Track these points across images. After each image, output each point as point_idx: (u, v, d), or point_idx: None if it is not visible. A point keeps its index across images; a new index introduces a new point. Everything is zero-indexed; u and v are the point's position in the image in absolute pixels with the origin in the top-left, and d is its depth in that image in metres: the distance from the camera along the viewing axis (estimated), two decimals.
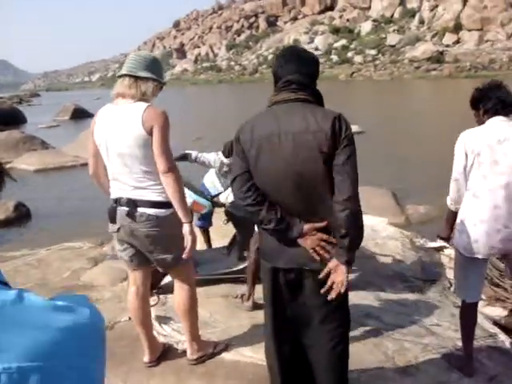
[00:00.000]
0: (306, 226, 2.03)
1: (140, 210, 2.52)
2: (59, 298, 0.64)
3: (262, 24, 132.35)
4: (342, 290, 2.01)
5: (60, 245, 5.78)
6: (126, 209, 2.54)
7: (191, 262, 2.82)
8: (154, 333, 3.10)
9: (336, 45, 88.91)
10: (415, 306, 3.66)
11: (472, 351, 2.80)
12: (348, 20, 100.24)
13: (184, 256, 2.58)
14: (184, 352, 2.95)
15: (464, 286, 2.77)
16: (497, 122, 2.54)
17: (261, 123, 2.07)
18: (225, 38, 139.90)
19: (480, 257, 2.59)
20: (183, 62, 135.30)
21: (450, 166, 2.66)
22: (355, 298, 3.61)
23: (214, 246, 4.77)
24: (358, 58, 78.74)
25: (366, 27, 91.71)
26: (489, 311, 3.66)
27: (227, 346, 3.04)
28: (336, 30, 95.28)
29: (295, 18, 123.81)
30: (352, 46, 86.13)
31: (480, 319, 3.26)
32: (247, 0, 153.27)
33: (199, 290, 3.46)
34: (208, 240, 4.77)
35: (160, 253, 2.62)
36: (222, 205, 4.09)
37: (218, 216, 4.59)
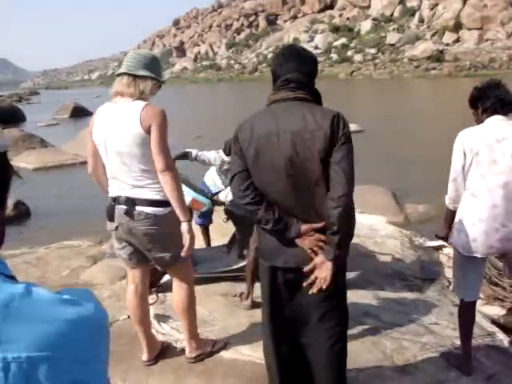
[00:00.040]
0: (304, 227, 2.03)
1: (138, 208, 2.53)
2: (64, 292, 0.65)
3: (262, 22, 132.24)
4: (324, 286, 2.00)
5: (59, 243, 5.78)
6: (125, 207, 2.55)
7: (189, 261, 2.82)
8: (153, 331, 3.10)
9: (336, 43, 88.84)
10: (414, 304, 3.66)
11: (470, 350, 2.81)
12: (348, 19, 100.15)
13: (182, 254, 2.59)
14: (183, 350, 2.95)
15: (462, 285, 2.77)
16: (495, 121, 2.54)
17: (259, 122, 2.07)
18: (224, 36, 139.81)
19: (478, 256, 2.60)
20: (183, 61, 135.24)
21: (450, 165, 2.66)
22: (354, 296, 3.62)
23: (213, 244, 4.77)
24: (357, 57, 78.68)
25: (365, 26, 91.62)
26: (487, 310, 3.67)
27: (226, 344, 3.04)
28: (336, 29, 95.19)
29: (295, 17, 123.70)
30: (352, 45, 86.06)
31: (478, 318, 3.27)
32: None
33: (198, 289, 3.47)
34: (207, 238, 4.78)
35: (158, 251, 2.63)
36: (222, 203, 4.09)
37: (218, 214, 4.59)
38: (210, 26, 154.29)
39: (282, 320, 2.21)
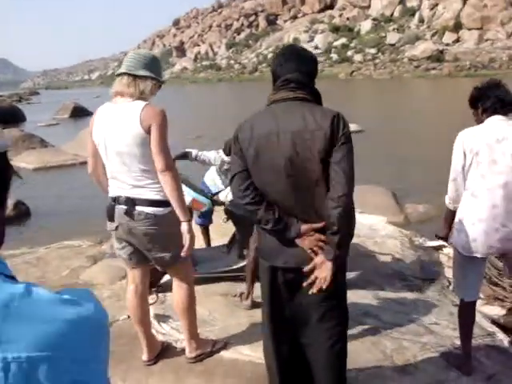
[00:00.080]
0: (304, 227, 2.03)
1: (138, 208, 2.53)
2: (64, 292, 0.65)
3: (262, 22, 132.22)
4: (324, 286, 2.00)
5: (59, 243, 5.78)
6: (125, 207, 2.55)
7: (189, 261, 2.82)
8: (153, 331, 3.11)
9: (336, 43, 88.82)
10: (414, 304, 3.66)
11: (470, 350, 2.81)
12: (348, 19, 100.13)
13: (182, 254, 2.59)
14: (183, 350, 2.95)
15: (462, 285, 2.77)
16: (495, 121, 2.54)
17: (259, 122, 2.07)
18: (224, 36, 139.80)
19: (478, 256, 2.60)
20: (183, 61, 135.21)
21: (450, 165, 2.66)
22: (354, 296, 3.62)
23: (213, 244, 4.78)
24: (357, 57, 78.67)
25: (365, 26, 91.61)
26: (487, 310, 3.67)
27: (226, 344, 3.04)
28: (336, 29, 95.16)
29: (295, 17, 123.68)
30: (352, 45, 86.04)
31: (478, 318, 3.27)
32: None
33: (198, 289, 3.47)
34: (207, 238, 4.78)
35: (158, 251, 2.63)
36: (222, 203, 4.10)
37: (218, 214, 4.59)
38: (210, 26, 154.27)
39: (281, 320, 2.21)
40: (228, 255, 4.25)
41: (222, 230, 4.83)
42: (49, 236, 6.41)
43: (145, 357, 2.90)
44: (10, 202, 7.84)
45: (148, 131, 2.42)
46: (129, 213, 2.53)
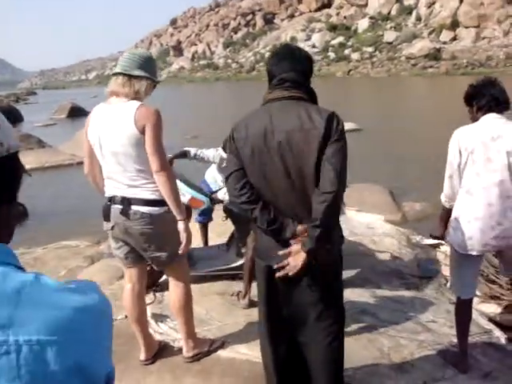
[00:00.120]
0: (299, 228, 2.03)
1: (134, 207, 2.53)
2: (72, 282, 0.70)
3: (259, 21, 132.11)
4: (290, 274, 2.01)
5: (57, 243, 5.79)
6: (120, 207, 2.55)
7: (186, 260, 2.83)
8: (151, 331, 3.11)
9: (333, 42, 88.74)
10: (411, 302, 3.67)
11: (467, 347, 2.82)
12: (345, 17, 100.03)
13: (179, 252, 2.60)
14: (180, 350, 2.96)
15: (459, 283, 2.78)
16: (490, 120, 2.54)
17: (255, 121, 2.08)
18: (222, 35, 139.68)
19: (474, 254, 2.61)
20: (180, 60, 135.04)
21: (446, 163, 2.67)
22: (351, 294, 3.63)
23: (210, 243, 4.78)
24: (355, 56, 78.59)
25: (362, 24, 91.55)
26: (484, 308, 3.67)
27: (223, 343, 3.05)
28: (333, 28, 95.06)
29: (292, 16, 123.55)
30: (349, 44, 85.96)
31: (475, 315, 3.28)
32: None
33: (195, 288, 3.47)
34: (205, 236, 4.78)
35: (154, 250, 2.63)
36: (220, 201, 4.10)
37: (217, 214, 4.59)
38: (208, 25, 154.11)
39: (278, 319, 2.22)
40: (226, 253, 4.26)
41: (220, 230, 4.83)
42: (46, 236, 6.40)
43: (142, 356, 2.91)
44: None
45: (142, 131, 2.42)
46: (124, 212, 2.54)
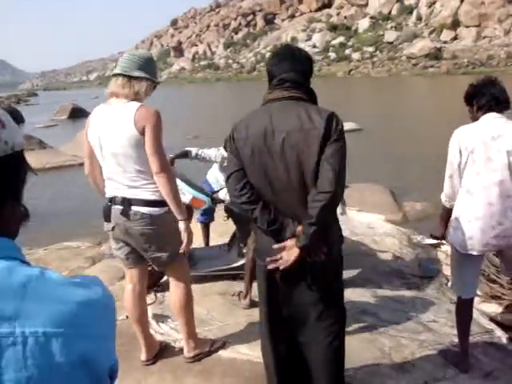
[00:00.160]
0: (299, 228, 2.03)
1: (134, 208, 2.54)
2: (77, 277, 0.73)
3: (260, 22, 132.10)
4: (281, 268, 2.03)
5: (58, 244, 5.80)
6: (121, 207, 2.56)
7: (186, 261, 2.84)
8: (151, 331, 3.11)
9: (334, 42, 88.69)
10: (412, 302, 3.67)
11: (468, 347, 2.81)
12: (345, 17, 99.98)
13: (180, 252, 2.61)
14: (181, 350, 2.96)
15: (460, 282, 2.78)
16: (491, 119, 2.54)
17: (255, 121, 2.08)
18: (222, 36, 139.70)
19: (475, 253, 2.61)
20: (181, 61, 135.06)
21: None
22: (352, 294, 3.63)
23: (211, 243, 4.79)
24: (355, 55, 78.54)
25: (363, 24, 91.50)
26: (485, 308, 3.67)
27: (224, 343, 3.05)
28: (333, 28, 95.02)
29: (293, 16, 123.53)
30: (350, 43, 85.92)
31: (476, 315, 3.28)
32: None
33: (196, 288, 3.48)
34: (207, 236, 4.79)
35: (155, 251, 2.64)
36: (221, 201, 4.11)
37: (218, 213, 4.59)
38: (208, 26, 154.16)
39: (279, 319, 2.22)
40: (227, 253, 4.27)
41: (222, 229, 4.83)
42: (48, 237, 6.41)
43: (143, 357, 2.91)
44: None
45: (142, 132, 2.42)
46: (125, 213, 2.54)
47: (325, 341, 2.17)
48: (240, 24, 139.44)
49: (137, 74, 2.51)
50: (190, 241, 2.64)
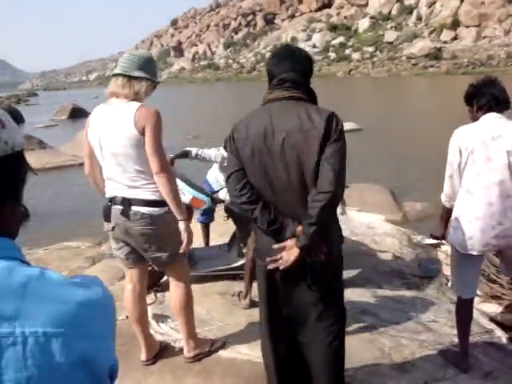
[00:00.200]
0: (299, 228, 2.03)
1: (134, 208, 2.54)
2: (77, 277, 0.73)
3: (260, 22, 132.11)
4: (281, 267, 2.04)
5: (58, 244, 5.80)
6: (121, 207, 2.56)
7: (186, 261, 2.84)
8: (151, 331, 3.11)
9: (334, 42, 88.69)
10: (412, 302, 3.67)
11: (468, 347, 2.81)
12: (345, 17, 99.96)
13: (181, 251, 2.61)
14: (181, 350, 2.96)
15: (460, 282, 2.78)
16: (491, 119, 2.54)
17: (255, 121, 2.08)
18: (222, 36, 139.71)
19: (475, 253, 2.61)
20: (181, 61, 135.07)
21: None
22: (352, 294, 3.63)
23: (211, 243, 4.79)
24: (355, 55, 78.53)
25: (363, 24, 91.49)
26: (485, 308, 3.67)
27: (224, 343, 3.05)
28: (333, 28, 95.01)
29: (293, 16, 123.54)
30: (350, 44, 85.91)
31: (476, 315, 3.28)
32: None
33: (196, 288, 3.47)
34: (207, 236, 4.79)
35: (155, 251, 2.64)
36: (221, 201, 4.11)
37: (218, 213, 4.59)
38: (208, 26, 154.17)
39: (279, 319, 2.22)
40: (228, 253, 4.27)
41: (222, 229, 4.83)
42: (48, 237, 6.41)
43: (143, 357, 2.91)
44: None
45: (142, 132, 2.42)
46: (125, 213, 2.54)
47: (325, 341, 2.17)
48: (240, 24, 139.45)
49: (137, 74, 2.51)
50: (189, 241, 2.64)
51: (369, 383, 2.68)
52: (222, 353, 2.97)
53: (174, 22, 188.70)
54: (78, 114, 26.85)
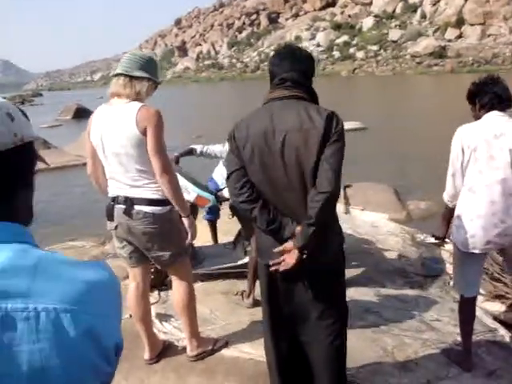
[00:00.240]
0: (298, 228, 2.03)
1: (137, 207, 2.55)
2: (84, 261, 0.78)
3: (264, 21, 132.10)
4: (281, 269, 2.04)
5: (63, 244, 5.82)
6: (123, 206, 2.57)
7: (188, 260, 2.85)
8: (155, 330, 3.13)
9: (338, 41, 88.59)
10: (415, 301, 3.66)
11: (471, 346, 2.81)
12: (350, 16, 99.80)
13: (187, 243, 2.68)
14: (184, 349, 2.97)
15: (462, 281, 2.77)
16: (493, 117, 2.54)
17: (256, 121, 2.08)
18: (226, 35, 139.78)
19: (477, 252, 2.60)
20: (185, 60, 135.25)
21: None
22: (355, 293, 3.63)
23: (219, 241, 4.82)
24: (359, 54, 78.44)
25: (367, 23, 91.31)
26: (489, 306, 3.66)
27: (227, 342, 3.06)
28: (338, 26, 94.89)
29: (297, 15, 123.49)
30: (354, 42, 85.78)
31: (480, 314, 3.27)
32: None
33: (199, 287, 3.49)
34: (215, 233, 4.82)
35: (157, 250, 2.65)
36: (226, 199, 4.12)
37: (223, 212, 4.60)
38: (212, 25, 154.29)
39: (280, 318, 2.22)
40: (233, 251, 4.29)
41: (226, 227, 4.84)
42: (52, 237, 6.43)
43: (146, 356, 2.92)
44: None
45: (144, 132, 2.43)
46: (127, 212, 2.56)
47: (326, 340, 2.17)
48: (244, 23, 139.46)
49: (138, 73, 2.52)
50: (194, 234, 2.71)
51: (371, 382, 2.68)
52: (225, 352, 2.98)
53: (177, 22, 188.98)
54: (83, 114, 26.92)
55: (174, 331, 3.26)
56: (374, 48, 78.34)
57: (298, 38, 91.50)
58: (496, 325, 3.33)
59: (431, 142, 12.15)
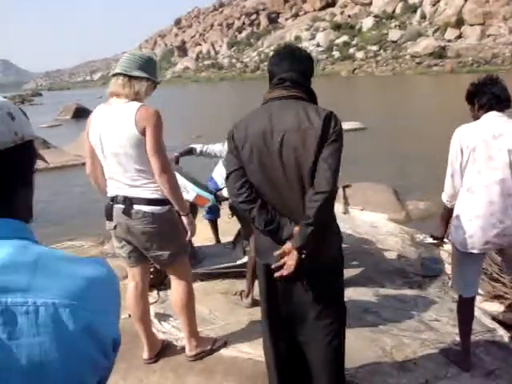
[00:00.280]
0: (296, 228, 2.03)
1: (136, 207, 2.55)
2: (84, 258, 0.78)
3: (263, 21, 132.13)
4: (284, 274, 2.02)
5: (62, 243, 5.82)
6: (122, 206, 2.57)
7: (187, 259, 2.85)
8: (154, 330, 3.13)
9: (337, 41, 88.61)
10: (414, 301, 3.66)
11: (469, 346, 2.81)
12: (349, 16, 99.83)
13: (187, 238, 2.70)
14: (183, 349, 2.97)
15: (461, 281, 2.78)
16: (492, 118, 2.54)
17: (254, 121, 2.08)
18: (226, 35, 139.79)
19: (475, 252, 2.60)
20: (184, 60, 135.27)
21: None
22: (354, 293, 3.63)
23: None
24: (359, 54, 78.47)
25: (367, 23, 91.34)
26: (487, 307, 3.66)
27: (226, 342, 3.06)
28: (337, 27, 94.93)
29: (296, 15, 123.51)
30: (354, 42, 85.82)
31: (478, 314, 3.27)
32: None
33: (198, 287, 3.48)
34: (216, 232, 4.83)
35: (156, 249, 2.65)
36: (226, 199, 4.12)
37: (223, 211, 4.60)
38: (212, 25, 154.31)
39: (278, 318, 2.22)
40: (232, 251, 4.29)
41: (226, 227, 4.84)
42: (51, 236, 6.42)
43: (145, 355, 2.93)
44: None
45: (143, 132, 2.43)
46: (126, 212, 2.56)
47: (324, 340, 2.17)
48: (244, 23, 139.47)
49: (137, 73, 2.52)
50: (193, 232, 2.73)
51: (370, 382, 2.68)
52: (224, 351, 2.98)
53: (177, 22, 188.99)
54: (82, 113, 26.89)
55: (172, 331, 3.26)
56: (374, 48, 78.37)
57: (297, 38, 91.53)
58: (495, 325, 3.34)
59: (431, 142, 12.16)
